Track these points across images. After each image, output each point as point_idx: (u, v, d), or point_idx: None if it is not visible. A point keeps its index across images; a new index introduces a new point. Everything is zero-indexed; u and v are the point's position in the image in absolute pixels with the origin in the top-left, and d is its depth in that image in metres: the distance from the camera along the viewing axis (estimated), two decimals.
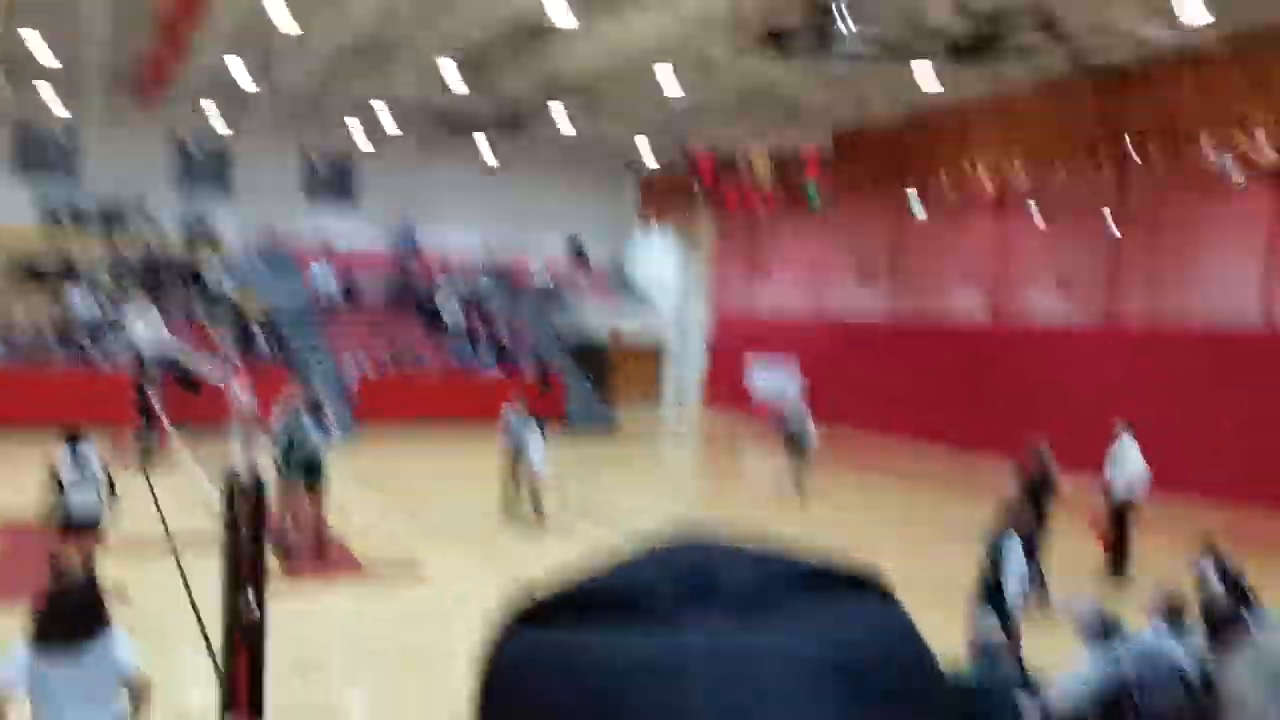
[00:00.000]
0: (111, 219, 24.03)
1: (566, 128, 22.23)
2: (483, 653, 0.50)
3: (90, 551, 8.36)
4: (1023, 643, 6.97)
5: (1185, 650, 5.77)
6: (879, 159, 20.59)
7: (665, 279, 28.95)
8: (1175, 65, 14.89)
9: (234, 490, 6.65)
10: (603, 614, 0.47)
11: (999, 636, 5.81)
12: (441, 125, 22.54)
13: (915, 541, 13.05)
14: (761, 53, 14.08)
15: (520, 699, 0.47)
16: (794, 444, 15.32)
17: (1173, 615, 5.92)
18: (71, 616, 4.40)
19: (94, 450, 8.43)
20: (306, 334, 22.54)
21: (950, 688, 0.49)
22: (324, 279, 24.30)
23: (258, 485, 6.75)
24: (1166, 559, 8.30)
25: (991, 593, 7.10)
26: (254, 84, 20.18)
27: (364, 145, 25.57)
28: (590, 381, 24.21)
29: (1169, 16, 12.99)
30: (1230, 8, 12.90)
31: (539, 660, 0.47)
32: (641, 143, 24.50)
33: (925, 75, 16.00)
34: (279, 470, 10.67)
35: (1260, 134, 13.82)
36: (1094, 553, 10.78)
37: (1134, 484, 10.55)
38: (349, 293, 24.51)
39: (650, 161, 27.01)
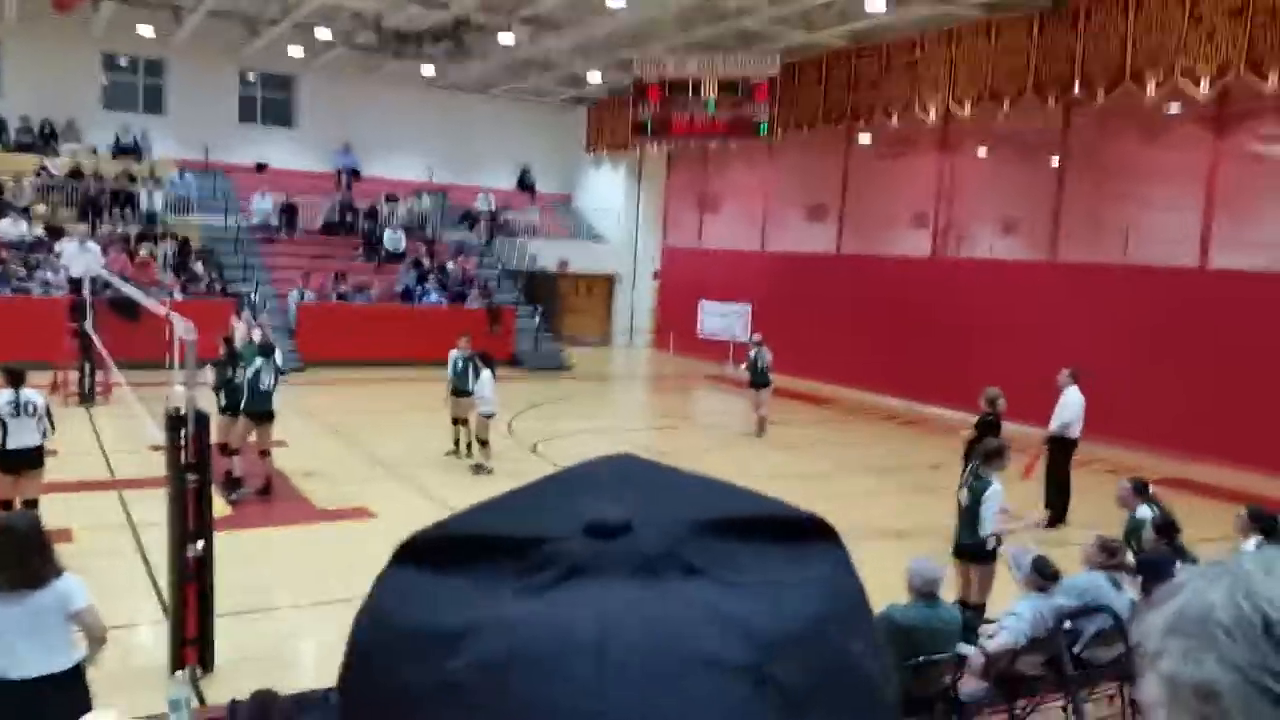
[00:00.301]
0: (40, 139, 23.22)
1: (512, 48, 21.81)
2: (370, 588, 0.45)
3: (32, 493, 8.27)
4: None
5: (1118, 593, 6.04)
6: (828, 89, 20.64)
7: (615, 211, 28.74)
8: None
9: (178, 428, 6.60)
10: (489, 560, 0.41)
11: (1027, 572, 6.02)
12: (383, 43, 21.93)
13: (871, 485, 13.36)
14: None
15: (370, 660, 0.43)
16: (756, 380, 15.60)
17: (1107, 560, 6.17)
18: (18, 560, 4.38)
19: (36, 392, 8.32)
20: (245, 261, 22.11)
21: (884, 686, 0.44)
22: (262, 204, 23.78)
23: (201, 422, 6.70)
24: (1104, 504, 8.60)
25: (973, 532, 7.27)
26: None
27: (302, 64, 24.88)
28: (540, 317, 24.13)
29: None
30: None
31: (399, 612, 0.42)
32: (590, 72, 24.14)
33: None
34: (222, 407, 10.56)
35: (1198, 71, 14.05)
36: (1033, 497, 11.16)
37: (1072, 424, 10.86)
38: (288, 219, 24.02)
39: (598, 89, 26.69)
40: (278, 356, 11.15)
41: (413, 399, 17.21)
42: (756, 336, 16.43)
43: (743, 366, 16.21)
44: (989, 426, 9.59)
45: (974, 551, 7.32)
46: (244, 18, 21.47)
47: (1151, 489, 7.60)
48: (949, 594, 7.32)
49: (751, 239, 24.91)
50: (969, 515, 7.32)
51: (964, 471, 8.01)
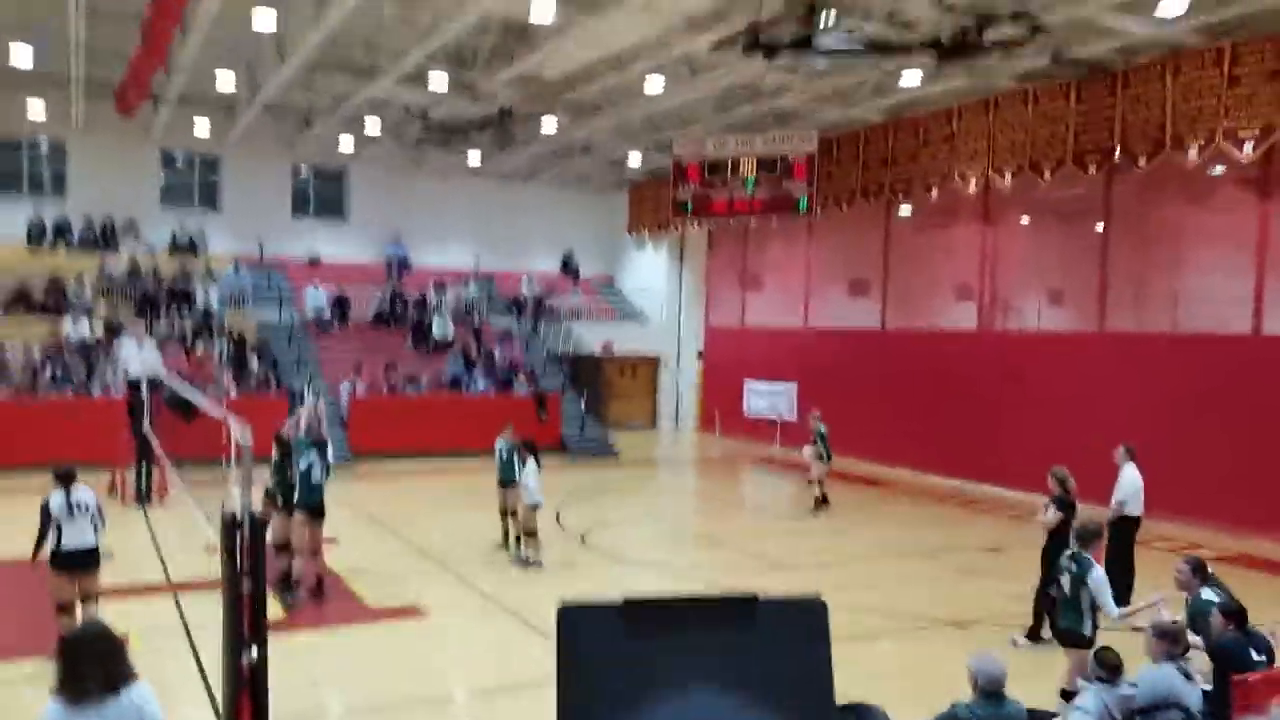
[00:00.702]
0: (101, 238, 24.09)
1: (554, 134, 22.39)
2: None
3: (92, 593, 8.41)
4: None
5: (1190, 685, 5.85)
6: (865, 163, 20.84)
7: (657, 291, 29.00)
8: (1156, 63, 15.09)
9: (234, 532, 6.70)
10: None
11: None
12: (430, 134, 22.61)
13: (925, 571, 13.13)
14: (744, 52, 14.16)
15: None
16: (820, 456, 16.13)
17: (1171, 648, 6.00)
18: (97, 666, 4.43)
19: (88, 490, 8.48)
20: (299, 355, 22.57)
21: None
22: (315, 297, 24.35)
23: (257, 525, 6.79)
24: (1164, 583, 8.37)
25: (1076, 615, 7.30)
26: (239, 93, 20.29)
27: (352, 156, 25.68)
28: (585, 402, 24.24)
29: (1147, 10, 13.29)
30: (1208, 2, 13.18)
31: None
32: (631, 155, 24.64)
33: (909, 73, 16.25)
34: (276, 505, 10.69)
35: (1240, 133, 13.99)
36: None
37: (1129, 502, 10.60)
38: (341, 311, 24.55)
39: (639, 172, 27.18)
40: (330, 450, 11.22)
41: (462, 490, 17.32)
42: (817, 413, 16.75)
43: (807, 449, 16.46)
44: (1066, 507, 9.40)
45: (1075, 637, 7.25)
46: (296, 111, 22.29)
47: (1210, 569, 7.39)
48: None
49: (794, 315, 24.95)
50: (1071, 601, 7.35)
51: (1047, 554, 8.58)
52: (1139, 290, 17.43)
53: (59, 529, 8.13)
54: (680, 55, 16.45)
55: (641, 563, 12.94)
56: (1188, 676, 5.94)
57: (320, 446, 10.72)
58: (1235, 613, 6.56)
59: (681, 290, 28.69)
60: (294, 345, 22.80)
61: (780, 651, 1.49)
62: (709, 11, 14.19)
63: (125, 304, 22.58)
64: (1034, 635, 9.45)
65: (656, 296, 28.97)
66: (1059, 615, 7.52)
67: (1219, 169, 15.39)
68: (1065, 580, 7.46)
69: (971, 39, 13.27)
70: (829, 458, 16.28)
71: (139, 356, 18.70)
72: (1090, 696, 5.74)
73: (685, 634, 1.47)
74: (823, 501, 16.20)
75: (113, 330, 21.05)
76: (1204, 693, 5.97)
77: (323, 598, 10.34)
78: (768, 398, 24.58)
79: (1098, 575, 7.28)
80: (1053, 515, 9.42)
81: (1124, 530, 10.50)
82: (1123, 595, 10.22)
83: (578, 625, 1.48)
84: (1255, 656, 6.21)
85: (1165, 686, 5.81)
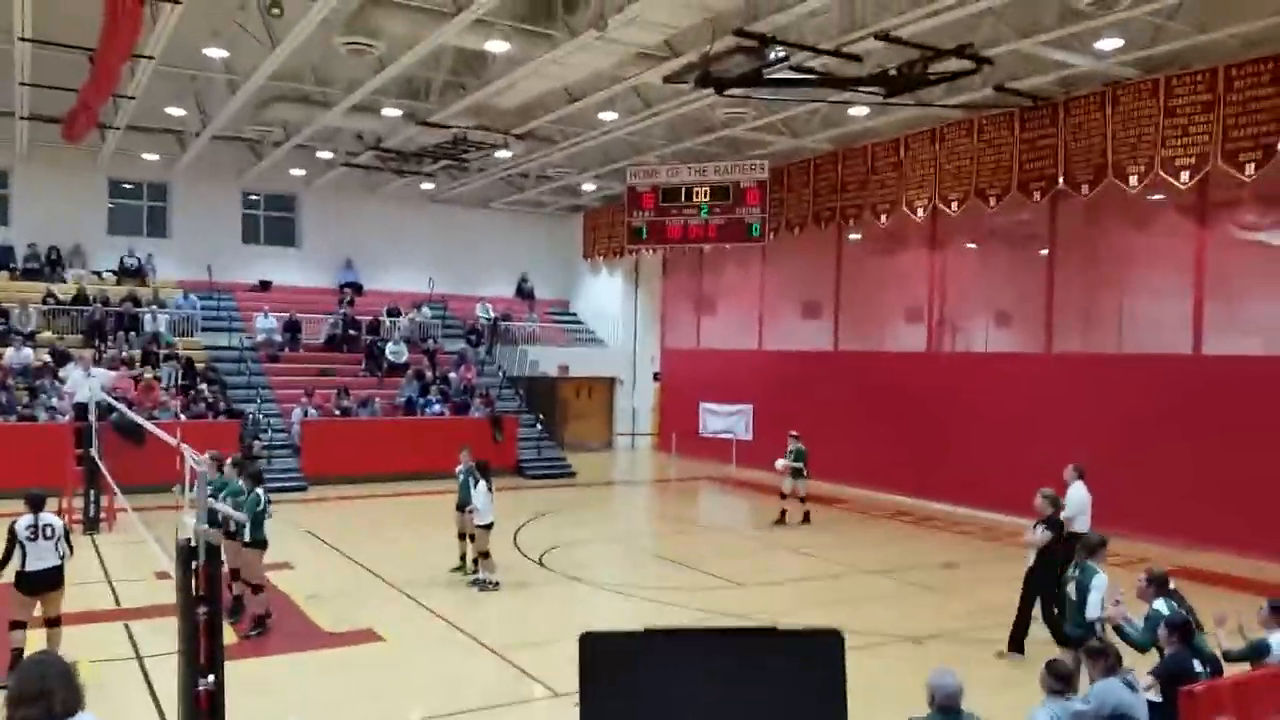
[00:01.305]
0: (46, 265, 23.65)
1: (509, 161, 22.48)
2: None
3: (55, 614, 8.48)
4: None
5: (1135, 695, 5.98)
6: (816, 191, 21.22)
7: (613, 315, 29.10)
8: (1096, 94, 15.55)
9: (189, 558, 6.60)
10: None
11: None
12: (384, 162, 22.56)
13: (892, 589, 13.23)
14: (696, 85, 14.38)
15: None
16: (796, 472, 16.97)
17: (1105, 663, 6.12)
18: (40, 693, 4.33)
19: (54, 516, 8.62)
20: (249, 380, 22.27)
21: None
22: (265, 322, 24.08)
23: (212, 553, 6.70)
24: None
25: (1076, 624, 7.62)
26: (189, 123, 20.10)
27: (304, 183, 25.53)
28: (542, 424, 24.19)
29: (1086, 46, 13.76)
30: (1142, 38, 13.66)
31: None
32: (585, 183, 24.76)
33: (857, 105, 16.70)
34: (227, 533, 10.51)
35: (1177, 163, 14.45)
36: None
37: (1076, 519, 10.78)
38: (292, 336, 24.30)
39: (594, 198, 27.34)
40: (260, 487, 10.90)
41: (417, 513, 17.17)
42: (794, 432, 17.35)
43: (780, 462, 17.21)
44: (1056, 527, 9.60)
45: (1080, 640, 7.42)
46: (247, 141, 22.11)
47: (1171, 583, 7.55)
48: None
49: (749, 338, 25.19)
50: (1077, 606, 7.69)
51: (1034, 574, 9.37)
52: (1085, 312, 17.85)
53: (24, 551, 8.26)
54: (633, 87, 16.63)
55: (601, 583, 12.92)
56: (1132, 688, 6.07)
57: (259, 479, 10.56)
58: (1180, 625, 6.72)
59: (637, 313, 28.81)
60: (244, 371, 22.50)
61: (796, 682, 1.53)
62: (660, 45, 14.39)
63: (71, 332, 22.16)
64: (1017, 646, 9.71)
65: (612, 320, 29.07)
66: (1067, 622, 7.86)
67: (1159, 196, 15.85)
68: (1071, 589, 7.79)
69: (918, 72, 13.56)
70: (805, 476, 16.97)
71: (86, 383, 18.33)
72: (1042, 711, 5.83)
73: (704, 664, 1.50)
74: (803, 518, 16.94)
75: (60, 357, 20.63)
76: (1151, 704, 6.10)
77: (265, 623, 10.14)
78: (724, 418, 24.73)
79: (1100, 581, 7.61)
80: (1041, 535, 9.56)
81: (1072, 547, 10.63)
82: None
83: (599, 654, 1.51)
84: (1198, 668, 6.36)
85: (1115, 699, 5.93)
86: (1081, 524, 10.86)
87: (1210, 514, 14.27)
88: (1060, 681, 5.88)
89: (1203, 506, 14.38)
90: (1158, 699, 6.22)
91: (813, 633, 1.56)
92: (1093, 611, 7.50)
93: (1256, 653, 6.93)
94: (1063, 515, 10.80)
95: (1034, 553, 9.64)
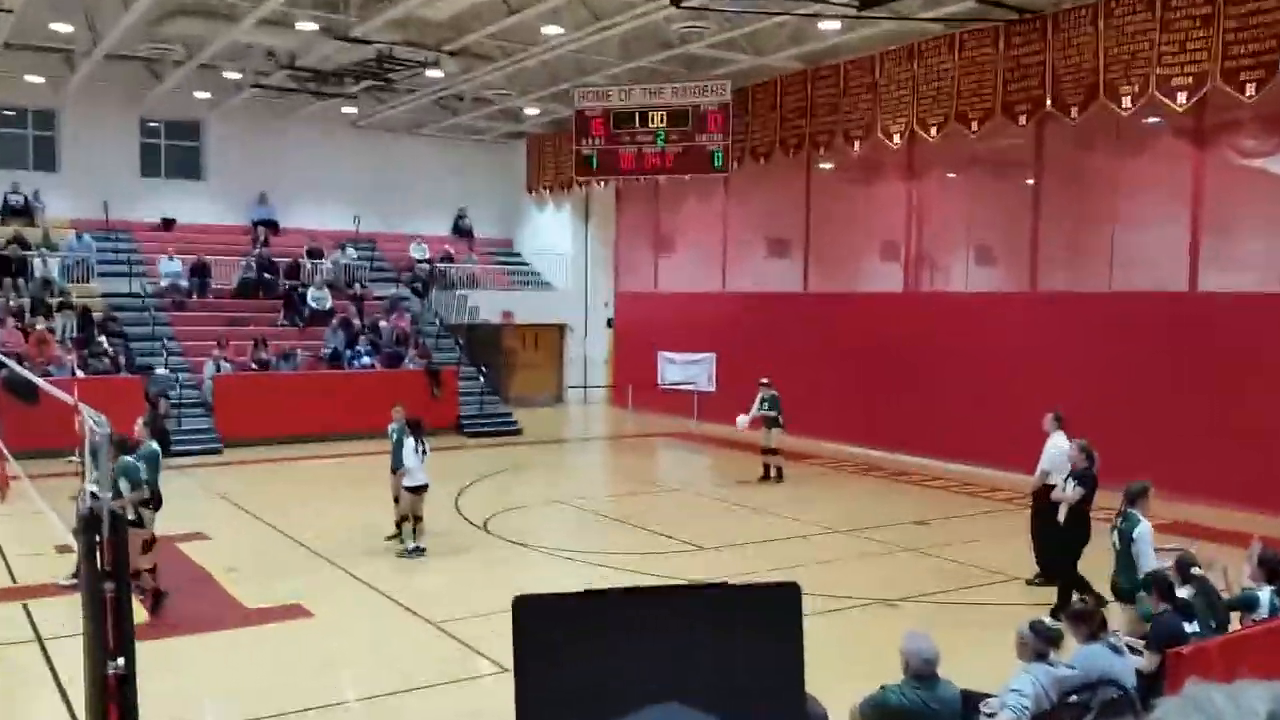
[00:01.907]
0: None
1: (441, 82, 22.09)
2: None
3: None
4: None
5: (1121, 658, 6.19)
6: (783, 115, 21.12)
7: (562, 255, 28.93)
8: (1087, 6, 15.56)
9: (93, 529, 6.56)
10: None
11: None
12: (299, 83, 22.11)
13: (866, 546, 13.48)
14: None
15: None
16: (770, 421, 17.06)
17: (1089, 627, 6.33)
18: None
19: None
20: (154, 330, 21.96)
21: None
22: (169, 266, 23.69)
23: (118, 524, 6.66)
24: (1103, 558, 8.83)
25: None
26: (77, 41, 19.55)
27: (210, 108, 24.98)
28: (484, 377, 24.13)
29: None
30: None
31: None
32: (528, 106, 24.45)
33: (827, 17, 16.61)
34: (134, 502, 10.43)
35: (1174, 82, 14.58)
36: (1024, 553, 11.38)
37: (1053, 473, 10.81)
38: (200, 281, 23.93)
39: (538, 124, 27.03)
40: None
41: (345, 476, 17.14)
42: (765, 379, 17.35)
43: (742, 419, 17.40)
44: (1090, 480, 9.83)
45: (1132, 594, 7.81)
46: (144, 61, 21.56)
47: (1197, 568, 7.68)
48: None
49: (711, 280, 25.22)
50: (1124, 558, 8.20)
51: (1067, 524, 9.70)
52: (1073, 247, 18.08)
53: None
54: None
55: (550, 549, 13.04)
56: (1117, 650, 6.29)
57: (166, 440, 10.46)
58: (1164, 585, 6.95)
59: (588, 253, 28.69)
60: (148, 320, 22.17)
61: (751, 640, 1.55)
62: None
63: None
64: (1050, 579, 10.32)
65: (560, 261, 28.92)
66: (1117, 574, 8.32)
67: (1154, 120, 16.00)
68: (1116, 538, 8.31)
69: None
70: (780, 424, 17.07)
71: None
72: (1025, 678, 6.00)
73: (652, 626, 1.53)
74: (776, 475, 17.15)
75: None
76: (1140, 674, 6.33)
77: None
78: (684, 368, 24.83)
79: (1144, 530, 8.11)
80: (1074, 491, 9.77)
81: (1048, 501, 10.66)
82: (1049, 571, 10.68)
83: (535, 619, 1.52)
84: (1189, 628, 6.60)
85: (1103, 664, 6.13)
86: (1058, 478, 11.05)
87: (1207, 463, 14.60)
88: (1045, 642, 6.05)
89: (1199, 454, 14.71)
90: (1140, 660, 6.44)
91: (767, 586, 1.59)
92: (1145, 564, 7.90)
93: (1245, 605, 7.22)
94: (1039, 467, 10.99)
95: (1065, 508, 9.88)
